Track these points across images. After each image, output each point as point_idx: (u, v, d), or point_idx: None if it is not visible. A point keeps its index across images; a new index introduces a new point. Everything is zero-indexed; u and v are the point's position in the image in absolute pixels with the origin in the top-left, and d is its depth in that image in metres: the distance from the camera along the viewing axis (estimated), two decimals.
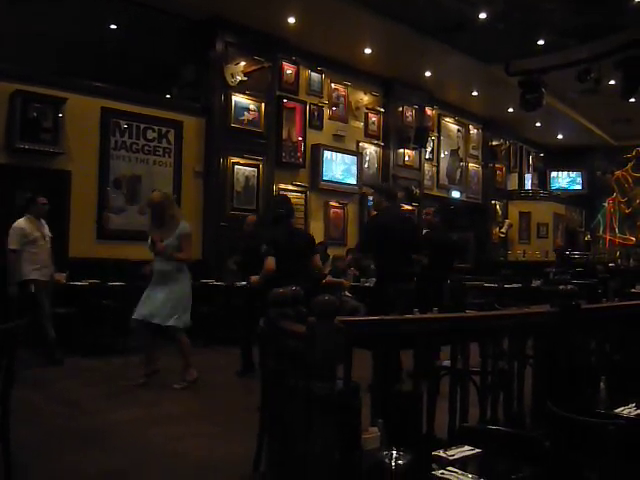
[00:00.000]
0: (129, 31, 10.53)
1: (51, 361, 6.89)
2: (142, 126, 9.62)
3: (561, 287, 4.16)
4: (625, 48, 10.41)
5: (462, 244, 7.53)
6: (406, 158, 13.80)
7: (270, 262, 5.66)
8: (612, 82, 11.96)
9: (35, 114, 8.34)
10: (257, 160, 10.79)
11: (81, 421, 4.92)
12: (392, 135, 13.57)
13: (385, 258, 6.01)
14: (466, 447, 2.48)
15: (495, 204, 17.50)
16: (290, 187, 11.55)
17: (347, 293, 8.78)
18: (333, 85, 12.45)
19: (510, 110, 15.30)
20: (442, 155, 15.59)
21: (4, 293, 6.81)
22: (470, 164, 16.66)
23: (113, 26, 10.56)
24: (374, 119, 13.40)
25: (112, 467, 3.90)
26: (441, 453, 2.42)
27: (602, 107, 14.71)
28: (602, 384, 3.65)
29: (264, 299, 6.48)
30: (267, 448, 3.30)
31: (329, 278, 8.23)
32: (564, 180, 20.86)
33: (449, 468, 2.30)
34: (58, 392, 5.80)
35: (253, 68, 10.63)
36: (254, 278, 6.07)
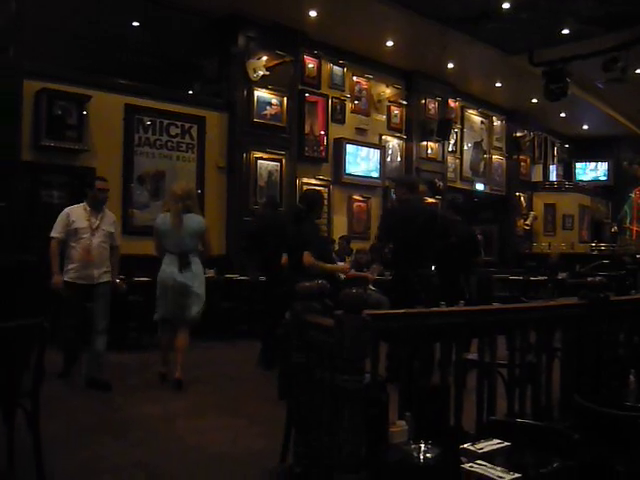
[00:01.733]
0: (152, 28, 10.60)
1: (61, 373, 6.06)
2: (165, 122, 9.67)
3: (589, 279, 4.12)
4: None
5: (472, 236, 7.34)
6: (429, 151, 13.73)
7: (307, 256, 5.65)
8: (639, 71, 11.77)
9: (60, 112, 8.43)
10: (280, 155, 10.80)
11: (107, 415, 4.98)
12: (415, 128, 13.50)
13: (403, 249, 5.99)
14: (494, 440, 2.46)
15: (519, 196, 17.34)
16: (313, 181, 11.56)
17: (371, 287, 8.75)
18: (355, 78, 12.42)
19: (534, 101, 15.14)
20: (465, 147, 15.48)
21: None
22: (494, 156, 16.52)
23: (135, 23, 10.62)
24: (396, 112, 13.34)
25: (137, 459, 3.94)
26: (469, 446, 2.41)
27: (628, 96, 14.48)
28: (631, 377, 3.61)
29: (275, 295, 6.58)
30: (294, 441, 3.30)
31: (353, 272, 8.21)
32: (590, 171, 20.61)
33: (478, 461, 2.28)
34: (84, 386, 5.86)
35: (275, 62, 10.64)
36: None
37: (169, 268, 5.95)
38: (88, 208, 5.87)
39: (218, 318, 8.89)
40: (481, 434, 2.69)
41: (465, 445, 2.43)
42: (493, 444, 2.44)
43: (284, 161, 10.85)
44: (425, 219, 6.12)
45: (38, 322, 3.36)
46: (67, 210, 5.88)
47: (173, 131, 9.76)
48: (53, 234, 5.78)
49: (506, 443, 2.45)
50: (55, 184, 8.84)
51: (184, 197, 6.02)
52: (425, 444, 2.43)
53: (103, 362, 5.91)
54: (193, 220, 5.99)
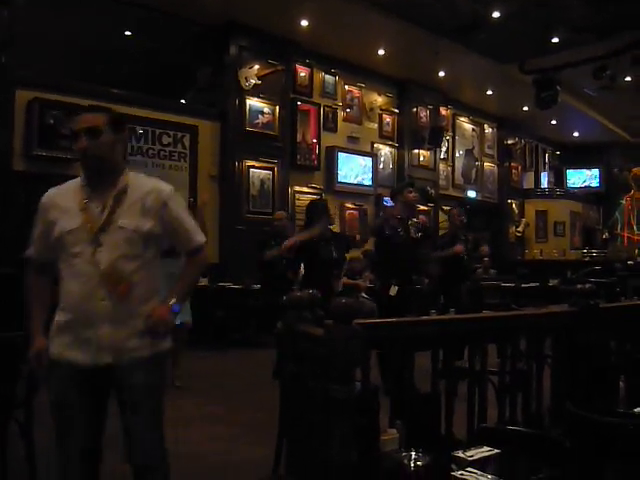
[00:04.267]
0: (144, 37, 10.63)
1: None
2: (157, 131, 9.68)
3: (579, 286, 4.14)
4: None
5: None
6: (421, 158, 13.78)
7: None
8: (628, 78, 11.87)
9: (52, 121, 8.43)
10: (272, 163, 10.83)
11: None
12: (407, 136, 13.56)
13: (392, 258, 6.01)
14: (485, 448, 2.48)
15: (511, 203, 17.42)
16: (305, 189, 11.58)
17: (364, 295, 8.77)
18: (347, 87, 12.47)
19: (525, 108, 15.22)
20: (457, 155, 15.55)
21: None
22: (485, 163, 16.60)
23: (128, 32, 10.64)
24: (388, 120, 13.39)
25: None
26: (460, 454, 2.43)
27: (618, 104, 14.60)
28: (622, 384, 3.64)
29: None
30: (286, 450, 3.31)
31: (345, 280, 8.22)
32: (581, 178, 20.72)
33: (468, 469, 2.30)
34: None
35: (267, 71, 10.68)
36: None
37: None
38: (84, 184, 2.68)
39: (211, 327, 8.90)
40: (472, 441, 2.70)
41: (456, 452, 2.45)
42: (484, 451, 2.45)
43: (276, 170, 10.87)
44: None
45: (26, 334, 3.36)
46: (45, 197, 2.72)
47: (165, 140, 9.77)
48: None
49: (497, 450, 2.47)
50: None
51: None
52: (416, 452, 2.45)
53: None
54: None
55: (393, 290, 5.79)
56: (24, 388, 3.33)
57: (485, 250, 11.32)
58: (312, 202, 7.26)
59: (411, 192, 6.17)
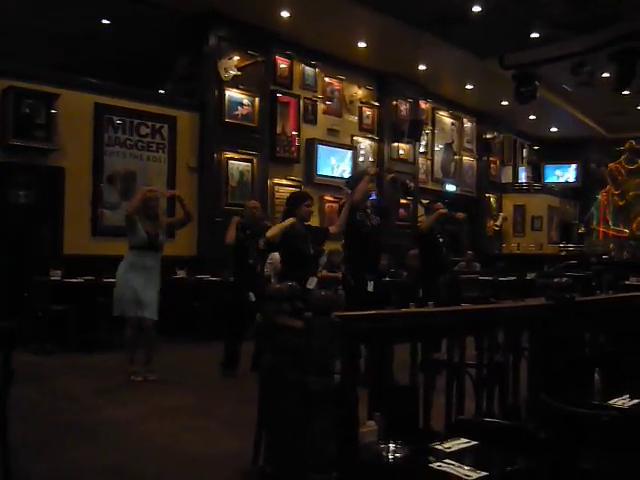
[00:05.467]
0: (122, 26, 10.51)
1: None
2: (135, 122, 9.59)
3: (556, 280, 4.18)
4: (619, 40, 10.42)
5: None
6: (400, 152, 13.80)
7: None
8: (606, 75, 11.98)
9: (28, 110, 8.29)
10: (251, 155, 10.77)
11: (78, 417, 4.93)
12: (386, 129, 13.57)
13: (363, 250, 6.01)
14: (462, 439, 2.50)
15: (489, 197, 17.53)
16: (285, 182, 11.55)
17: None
18: (327, 79, 12.44)
19: (504, 103, 15.30)
20: (436, 148, 15.61)
21: None
22: (464, 157, 16.68)
23: (106, 21, 10.53)
24: (368, 113, 13.39)
25: (109, 463, 3.91)
26: (438, 446, 2.44)
27: (596, 100, 14.73)
28: (596, 376, 3.68)
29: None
30: (265, 442, 3.31)
31: (325, 272, 8.22)
32: (558, 173, 20.91)
33: (446, 460, 2.32)
34: (54, 388, 5.80)
35: (246, 63, 10.61)
36: None
37: None
38: None
39: (189, 319, 8.87)
40: (450, 433, 2.72)
41: (434, 444, 2.47)
42: (461, 443, 2.48)
43: (255, 161, 10.83)
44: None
45: (7, 325, 3.33)
46: None
47: (143, 131, 9.68)
48: None
49: (474, 442, 2.49)
50: (23, 184, 8.72)
51: None
52: (395, 444, 2.46)
53: None
54: None
55: (370, 286, 5.79)
56: None
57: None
58: (291, 194, 7.24)
59: (364, 180, 6.14)
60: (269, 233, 5.37)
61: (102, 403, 5.36)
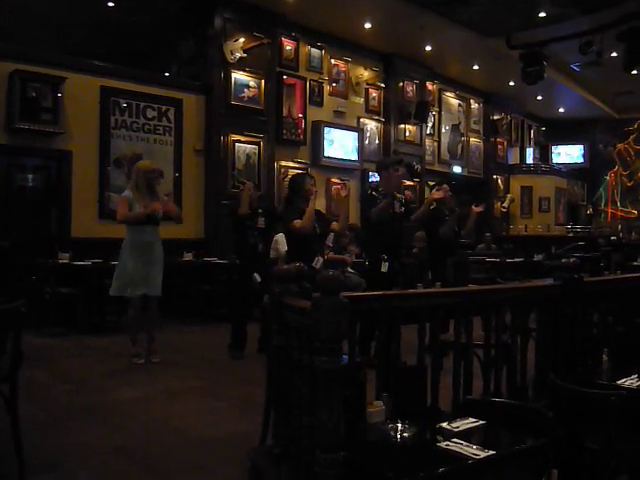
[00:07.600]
0: (127, 8, 10.44)
1: None
2: (142, 104, 9.58)
3: (564, 260, 4.17)
4: (628, 19, 10.30)
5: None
6: (407, 133, 13.75)
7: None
8: (614, 54, 11.86)
9: (34, 94, 8.30)
10: (258, 137, 10.75)
11: (86, 399, 4.96)
12: (393, 110, 13.51)
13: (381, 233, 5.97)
14: (470, 419, 2.51)
15: (497, 179, 17.46)
16: (291, 164, 11.53)
17: (349, 269, 8.79)
18: (333, 61, 12.37)
19: (511, 84, 15.21)
20: (443, 130, 15.53)
21: None
22: (471, 139, 16.60)
23: (111, 4, 10.46)
24: (374, 95, 13.32)
25: (117, 444, 3.93)
26: (445, 425, 2.45)
27: (604, 80, 14.62)
28: (604, 356, 3.68)
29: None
30: (273, 422, 3.33)
31: (331, 255, 8.23)
32: (566, 153, 20.79)
33: (454, 440, 2.33)
34: (63, 370, 5.84)
35: (252, 44, 10.56)
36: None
37: None
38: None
39: (195, 301, 8.91)
40: (457, 413, 2.73)
41: (442, 424, 2.47)
42: (469, 423, 2.49)
43: (262, 144, 10.81)
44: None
45: (15, 306, 3.34)
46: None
47: (150, 113, 9.67)
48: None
49: (481, 422, 2.50)
50: (30, 167, 8.75)
51: None
52: (402, 423, 2.47)
53: None
54: None
55: (384, 266, 5.78)
56: (7, 362, 3.31)
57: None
58: (293, 176, 7.24)
59: (397, 170, 6.09)
60: (300, 224, 5.48)
61: (111, 385, 5.39)
